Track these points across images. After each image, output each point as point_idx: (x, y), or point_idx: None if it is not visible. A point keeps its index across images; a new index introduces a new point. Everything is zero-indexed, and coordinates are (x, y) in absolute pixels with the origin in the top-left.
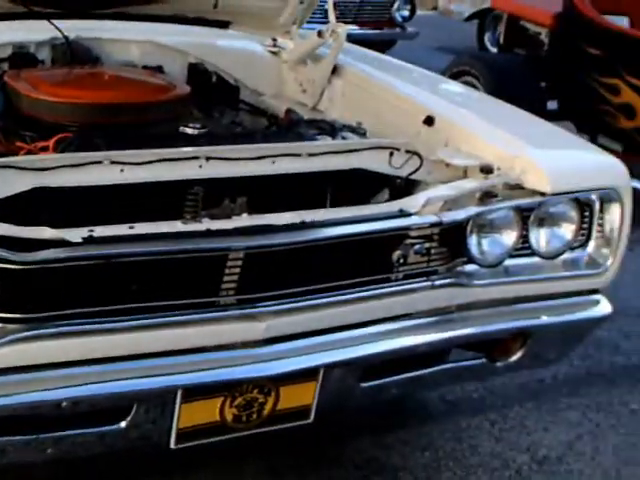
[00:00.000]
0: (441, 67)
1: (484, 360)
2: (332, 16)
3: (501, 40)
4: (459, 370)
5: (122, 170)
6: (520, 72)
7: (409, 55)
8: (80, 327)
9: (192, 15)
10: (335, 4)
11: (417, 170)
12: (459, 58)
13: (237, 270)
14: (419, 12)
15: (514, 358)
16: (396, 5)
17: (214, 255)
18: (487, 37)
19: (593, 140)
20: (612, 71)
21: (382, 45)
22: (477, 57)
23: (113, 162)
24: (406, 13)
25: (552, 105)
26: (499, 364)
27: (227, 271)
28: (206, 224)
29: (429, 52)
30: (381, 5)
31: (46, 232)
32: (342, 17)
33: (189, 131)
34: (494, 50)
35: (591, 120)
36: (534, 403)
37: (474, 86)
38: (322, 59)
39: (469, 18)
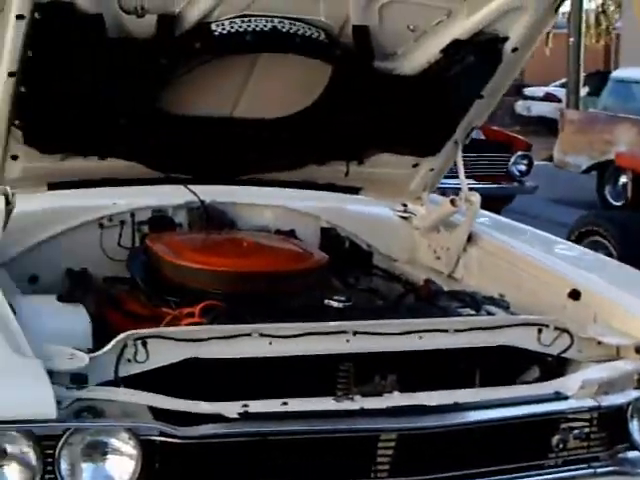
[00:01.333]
0: (561, 220)
1: None
2: (464, 185)
3: (628, 195)
4: None
5: (270, 343)
6: None
7: (527, 208)
8: None
9: (323, 182)
10: None
11: (568, 349)
12: (584, 218)
13: (390, 452)
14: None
15: None
16: (513, 159)
17: (366, 435)
18: (607, 190)
19: None
20: None
21: (500, 200)
22: (604, 217)
23: (262, 335)
24: (523, 167)
25: None
26: None
27: (379, 452)
28: (359, 403)
29: (547, 205)
30: (498, 159)
31: (203, 406)
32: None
33: (335, 304)
34: (616, 203)
35: None
36: None
37: (604, 246)
38: (456, 227)
39: (587, 170)
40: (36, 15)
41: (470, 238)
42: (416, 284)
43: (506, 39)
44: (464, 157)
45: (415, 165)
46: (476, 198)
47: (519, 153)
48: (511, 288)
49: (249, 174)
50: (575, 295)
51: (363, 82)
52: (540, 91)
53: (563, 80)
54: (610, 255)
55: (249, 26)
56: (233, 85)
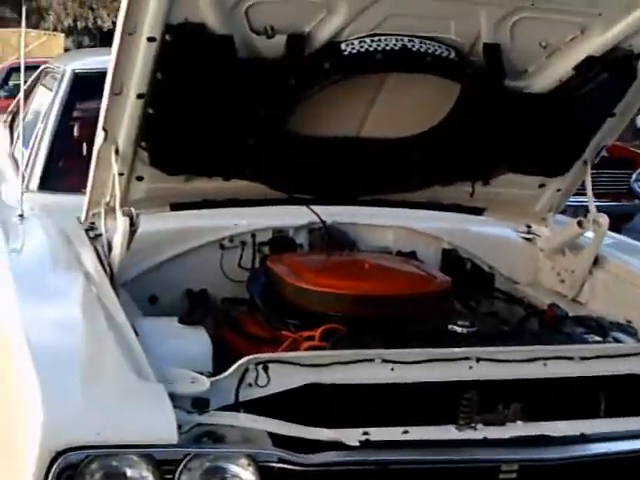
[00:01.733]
0: None
1: None
2: (592, 206)
3: None
4: None
5: (392, 369)
6: None
7: None
8: None
9: (448, 202)
10: None
11: None
12: None
13: None
14: None
15: None
16: (635, 176)
17: (487, 465)
18: None
19: None
20: None
21: (621, 218)
22: None
23: (384, 360)
24: None
25: None
26: None
27: None
28: (481, 432)
29: None
30: (619, 176)
31: (324, 433)
32: (578, 188)
33: (458, 330)
34: None
35: None
36: None
37: None
38: (582, 249)
39: None
40: (167, 37)
41: (596, 261)
42: (539, 308)
43: None
44: None
45: (542, 185)
46: (604, 220)
47: None
48: (638, 313)
49: (373, 194)
50: None
51: (492, 101)
52: None
53: None
54: None
55: (379, 45)
56: (361, 104)
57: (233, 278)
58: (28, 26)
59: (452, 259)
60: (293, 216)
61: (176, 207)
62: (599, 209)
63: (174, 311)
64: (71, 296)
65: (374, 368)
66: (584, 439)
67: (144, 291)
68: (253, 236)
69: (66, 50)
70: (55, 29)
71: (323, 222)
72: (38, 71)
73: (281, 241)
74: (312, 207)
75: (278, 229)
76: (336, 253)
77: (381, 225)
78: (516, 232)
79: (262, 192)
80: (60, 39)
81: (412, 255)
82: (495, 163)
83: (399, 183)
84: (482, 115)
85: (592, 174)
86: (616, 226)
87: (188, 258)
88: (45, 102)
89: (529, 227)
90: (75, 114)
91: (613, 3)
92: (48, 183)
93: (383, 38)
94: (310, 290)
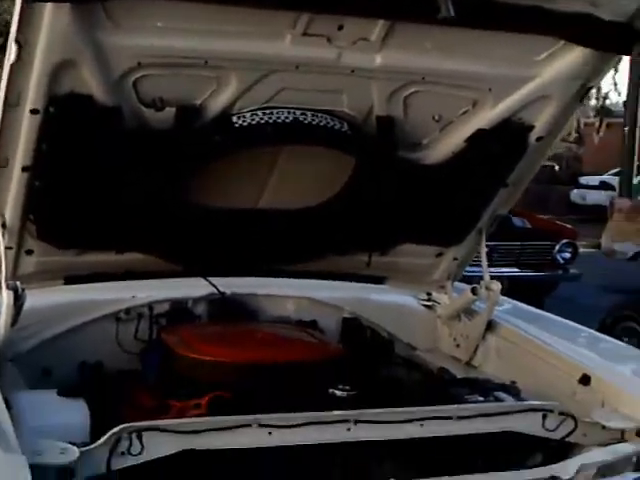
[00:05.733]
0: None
1: None
2: (486, 272)
3: None
4: None
5: (270, 433)
6: None
7: (572, 295)
8: None
9: (346, 271)
10: (494, 248)
11: (571, 433)
12: (623, 302)
13: None
14: (581, 249)
15: None
16: (557, 247)
17: None
18: None
19: None
20: None
21: (544, 287)
22: None
23: (262, 425)
24: (568, 255)
25: None
26: None
27: None
28: None
29: (593, 291)
30: (542, 248)
31: None
32: (503, 259)
33: (338, 393)
34: None
35: None
36: None
37: (637, 332)
38: (476, 315)
39: (633, 257)
40: (51, 109)
41: (490, 326)
42: (433, 372)
43: (531, 128)
44: (510, 246)
45: (439, 254)
46: (496, 286)
47: (564, 241)
48: (526, 374)
49: (269, 265)
50: (585, 380)
51: (387, 173)
52: (595, 180)
53: (618, 169)
54: None
55: (270, 118)
56: (258, 176)
57: (129, 350)
58: None
59: (353, 328)
60: (192, 287)
61: (70, 280)
62: (522, 279)
63: (68, 384)
64: None
65: (252, 433)
66: None
67: (37, 365)
68: (150, 308)
69: None
70: None
71: (222, 293)
72: None
73: (179, 313)
74: (211, 279)
75: (176, 301)
76: (232, 324)
77: (281, 295)
78: (416, 299)
79: (158, 265)
80: None
81: (312, 325)
82: (391, 233)
83: (294, 254)
84: (377, 187)
85: (517, 246)
86: (541, 294)
87: (83, 331)
88: None
89: (429, 294)
90: None
91: (502, 79)
92: None
93: (275, 111)
94: (199, 360)
